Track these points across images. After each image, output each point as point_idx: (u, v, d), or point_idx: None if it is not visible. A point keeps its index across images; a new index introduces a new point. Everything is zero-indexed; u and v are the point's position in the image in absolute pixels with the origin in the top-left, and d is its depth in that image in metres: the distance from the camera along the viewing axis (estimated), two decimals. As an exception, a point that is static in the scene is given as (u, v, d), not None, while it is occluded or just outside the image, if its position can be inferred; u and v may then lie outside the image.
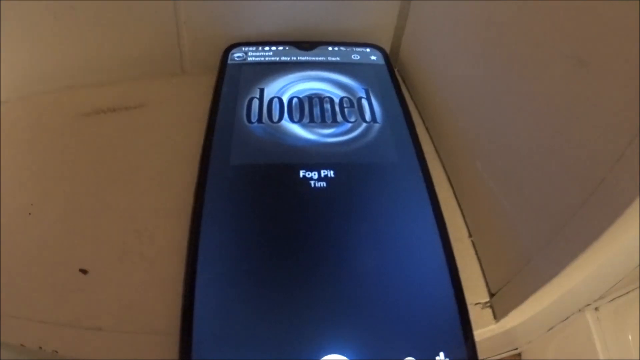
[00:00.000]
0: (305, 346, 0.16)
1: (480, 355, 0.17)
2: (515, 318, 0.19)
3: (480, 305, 0.20)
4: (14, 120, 0.27)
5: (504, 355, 0.25)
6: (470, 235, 0.22)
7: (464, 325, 0.17)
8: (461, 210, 0.23)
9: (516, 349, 0.25)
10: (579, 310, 0.21)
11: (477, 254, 0.21)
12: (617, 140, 0.13)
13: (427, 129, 0.27)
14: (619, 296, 0.21)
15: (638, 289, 0.22)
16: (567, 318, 0.21)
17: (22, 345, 0.18)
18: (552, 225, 0.16)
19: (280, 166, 0.21)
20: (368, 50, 0.29)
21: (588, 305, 0.21)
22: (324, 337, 0.16)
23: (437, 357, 0.16)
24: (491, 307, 0.20)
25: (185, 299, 0.17)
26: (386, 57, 0.29)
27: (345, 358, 0.16)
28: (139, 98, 0.28)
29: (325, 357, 0.16)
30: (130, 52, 0.29)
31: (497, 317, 0.19)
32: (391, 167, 0.22)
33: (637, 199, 0.13)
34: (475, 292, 0.20)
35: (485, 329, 0.19)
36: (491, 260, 0.21)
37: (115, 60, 0.29)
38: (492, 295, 0.20)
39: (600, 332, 0.21)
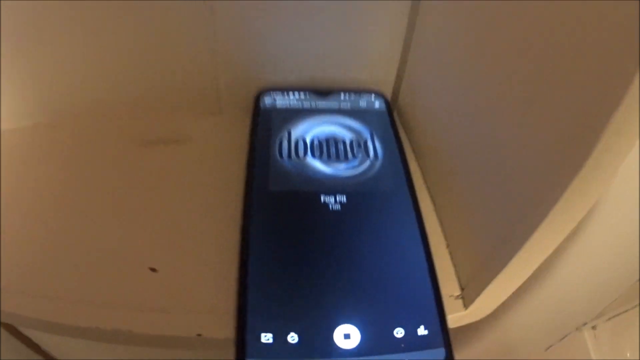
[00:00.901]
0: (328, 319, 0.23)
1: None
2: (482, 306, 0.25)
3: (453, 297, 0.26)
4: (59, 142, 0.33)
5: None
6: (447, 246, 0.28)
7: (439, 308, 0.23)
8: (441, 225, 0.30)
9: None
10: (577, 329, 0.22)
11: (452, 259, 0.27)
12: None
13: (417, 160, 0.34)
14: (616, 315, 0.22)
15: (637, 307, 0.23)
16: (564, 337, 0.22)
17: (97, 327, 0.23)
18: (508, 229, 0.22)
19: (306, 192, 0.28)
20: (372, 97, 0.36)
21: (585, 324, 0.22)
22: (340, 314, 0.23)
23: (418, 329, 0.23)
24: (462, 298, 0.26)
25: (240, 283, 0.24)
26: (387, 103, 0.35)
27: (354, 327, 0.23)
28: (184, 133, 0.34)
29: (340, 325, 0.23)
30: (174, 95, 0.34)
31: (466, 305, 0.26)
32: (388, 194, 0.29)
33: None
34: (449, 286, 0.26)
35: (456, 315, 0.26)
36: (463, 264, 0.27)
37: (160, 101, 0.34)
38: (462, 289, 0.27)
39: (598, 350, 0.22)
